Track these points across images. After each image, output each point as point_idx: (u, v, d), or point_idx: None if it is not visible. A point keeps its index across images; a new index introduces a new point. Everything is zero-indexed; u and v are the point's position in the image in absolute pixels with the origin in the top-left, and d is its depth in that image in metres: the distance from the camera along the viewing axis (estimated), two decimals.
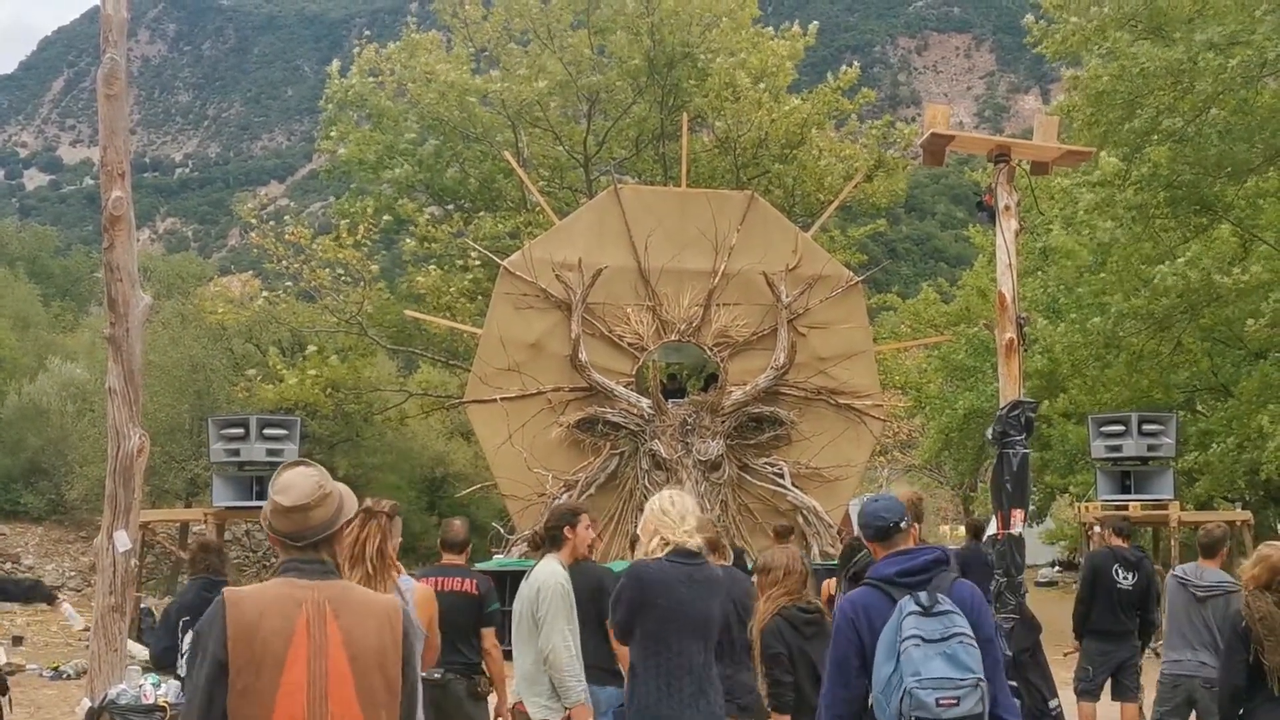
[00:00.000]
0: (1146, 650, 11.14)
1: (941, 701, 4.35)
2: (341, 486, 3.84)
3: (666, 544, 5.85)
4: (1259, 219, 20.21)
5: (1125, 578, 10.57)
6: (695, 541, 5.91)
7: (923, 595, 4.59)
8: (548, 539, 6.98)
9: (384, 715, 3.54)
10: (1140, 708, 10.56)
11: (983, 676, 4.45)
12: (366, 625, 3.55)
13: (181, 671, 7.85)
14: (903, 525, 4.89)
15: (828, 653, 4.92)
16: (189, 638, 7.80)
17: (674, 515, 5.94)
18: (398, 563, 5.97)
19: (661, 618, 5.80)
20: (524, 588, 6.78)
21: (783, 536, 12.93)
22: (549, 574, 6.69)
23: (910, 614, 4.53)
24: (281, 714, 3.44)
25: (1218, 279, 17.46)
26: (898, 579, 4.71)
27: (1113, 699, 10.66)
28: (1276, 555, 6.24)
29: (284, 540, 3.73)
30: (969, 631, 4.52)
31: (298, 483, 3.73)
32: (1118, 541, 11.07)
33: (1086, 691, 10.55)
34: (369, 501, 5.87)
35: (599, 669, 7.27)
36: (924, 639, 4.46)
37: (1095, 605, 10.54)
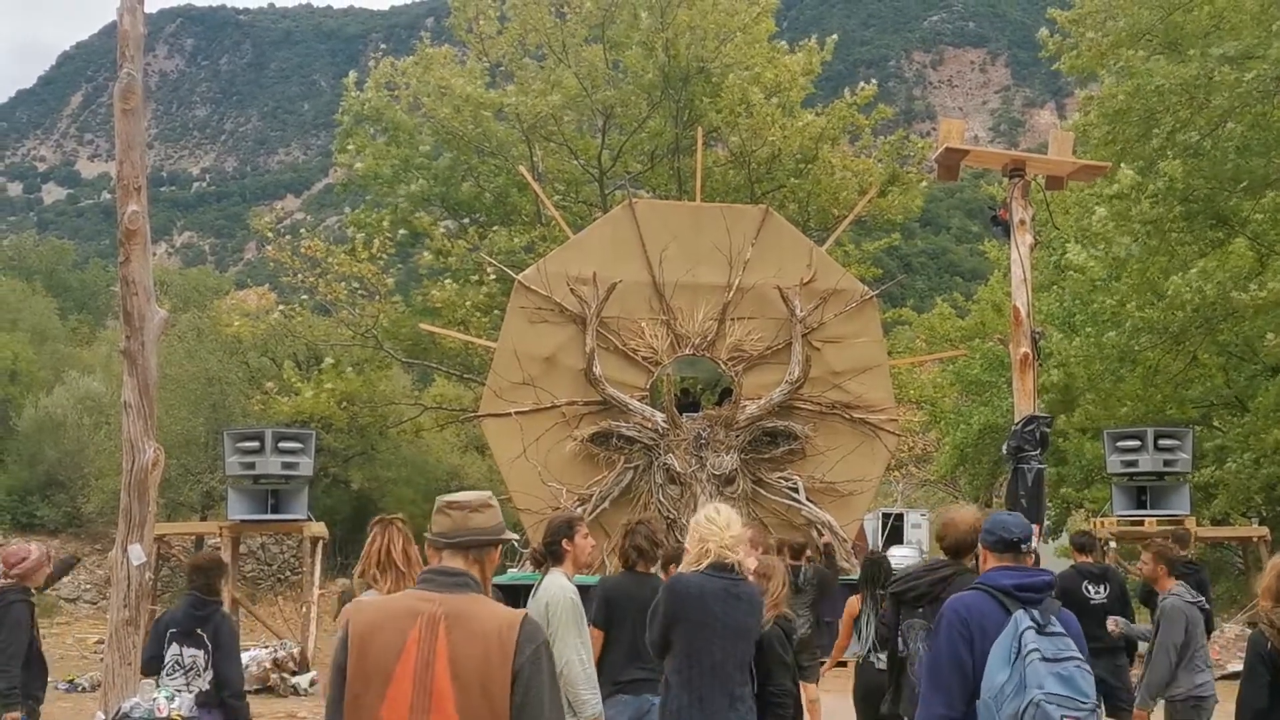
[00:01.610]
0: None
1: (1065, 718, 4.44)
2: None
3: (707, 554, 5.90)
4: (1276, 234, 20.13)
5: (1096, 593, 10.52)
6: (735, 556, 5.94)
7: (1037, 613, 4.69)
8: (547, 553, 6.94)
9: None
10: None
11: (1097, 703, 4.58)
12: (473, 644, 3.57)
13: (162, 684, 7.90)
14: (1024, 548, 4.97)
15: (932, 652, 4.94)
16: (173, 650, 7.86)
17: (719, 523, 5.99)
18: (418, 560, 6.00)
19: (694, 630, 5.83)
20: (532, 604, 6.77)
21: (796, 553, 12.94)
22: (557, 588, 6.67)
23: (1028, 629, 4.62)
24: None
25: (1235, 296, 17.40)
26: (1015, 592, 4.78)
27: (1106, 716, 10.62)
28: None
29: (437, 541, 3.83)
30: (1081, 656, 4.63)
31: (468, 492, 3.98)
32: (1082, 558, 11.02)
33: None
34: (381, 516, 6.01)
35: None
36: (1043, 656, 4.55)
37: None
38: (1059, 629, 4.65)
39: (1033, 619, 4.63)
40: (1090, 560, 10.93)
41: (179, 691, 7.78)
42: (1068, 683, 4.49)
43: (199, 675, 7.84)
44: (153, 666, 7.99)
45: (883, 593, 9.17)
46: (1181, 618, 8.54)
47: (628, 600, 7.33)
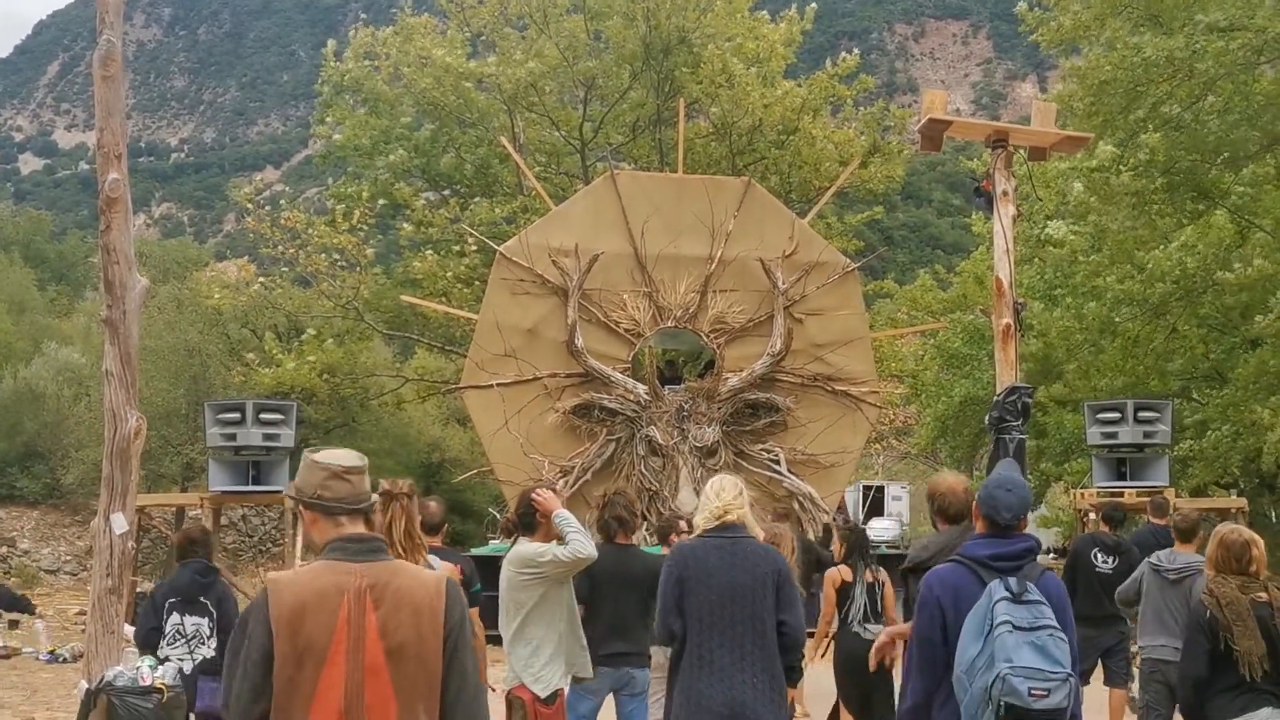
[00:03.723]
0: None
1: (1034, 691, 4.39)
2: None
3: (702, 523, 5.96)
4: (1257, 206, 20.17)
5: (1105, 562, 10.59)
6: (730, 517, 5.94)
7: (1013, 581, 4.62)
8: (521, 525, 6.91)
9: (422, 708, 3.52)
10: (1129, 693, 10.62)
11: (1072, 672, 4.49)
12: (402, 616, 3.53)
13: (162, 654, 7.87)
14: (1014, 524, 4.86)
15: (914, 628, 4.94)
16: (173, 619, 7.82)
17: (709, 494, 6.04)
18: (424, 541, 6.02)
19: (692, 590, 5.79)
20: (503, 571, 6.79)
21: (778, 518, 13.01)
22: (526, 547, 6.70)
23: (1001, 599, 4.55)
24: (320, 706, 3.46)
25: (1220, 275, 17.44)
26: (990, 562, 4.73)
27: (1104, 684, 10.71)
28: (1233, 535, 6.18)
29: (337, 507, 3.69)
30: (1057, 624, 4.56)
31: (343, 452, 3.79)
32: (1105, 528, 11.12)
33: None
34: (385, 484, 5.89)
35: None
36: (1015, 626, 4.48)
37: (1077, 591, 10.57)
38: (1036, 596, 4.59)
39: (1007, 588, 4.58)
40: (1110, 531, 11.07)
41: (181, 660, 7.75)
42: (1041, 653, 4.44)
43: (203, 643, 7.80)
44: (153, 639, 7.93)
45: (865, 563, 9.23)
46: (1146, 569, 8.73)
47: (610, 574, 7.31)
